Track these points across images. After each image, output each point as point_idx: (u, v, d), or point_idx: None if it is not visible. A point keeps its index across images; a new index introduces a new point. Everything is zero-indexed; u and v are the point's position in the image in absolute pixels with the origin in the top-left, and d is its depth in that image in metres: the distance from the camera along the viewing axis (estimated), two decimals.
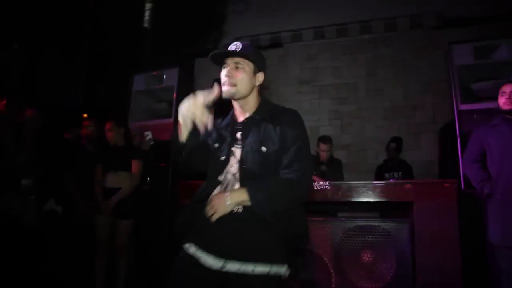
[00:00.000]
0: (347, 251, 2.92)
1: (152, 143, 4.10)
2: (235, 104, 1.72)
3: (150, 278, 3.51)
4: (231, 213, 1.52)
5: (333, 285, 2.91)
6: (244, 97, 1.67)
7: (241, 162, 1.59)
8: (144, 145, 4.07)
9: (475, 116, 3.24)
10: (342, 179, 3.86)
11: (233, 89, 1.63)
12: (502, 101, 2.70)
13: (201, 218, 1.56)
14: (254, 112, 1.68)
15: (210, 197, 1.57)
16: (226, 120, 1.76)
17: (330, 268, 2.93)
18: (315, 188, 2.93)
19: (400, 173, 4.26)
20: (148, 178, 3.84)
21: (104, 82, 5.28)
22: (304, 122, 1.81)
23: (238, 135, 1.66)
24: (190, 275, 1.55)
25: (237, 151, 1.64)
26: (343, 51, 5.42)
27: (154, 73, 4.41)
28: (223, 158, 1.63)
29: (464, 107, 3.30)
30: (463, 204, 2.92)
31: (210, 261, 1.51)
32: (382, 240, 2.86)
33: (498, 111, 2.75)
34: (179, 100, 4.31)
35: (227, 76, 1.63)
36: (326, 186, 2.95)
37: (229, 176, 1.61)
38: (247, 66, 1.65)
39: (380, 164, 4.55)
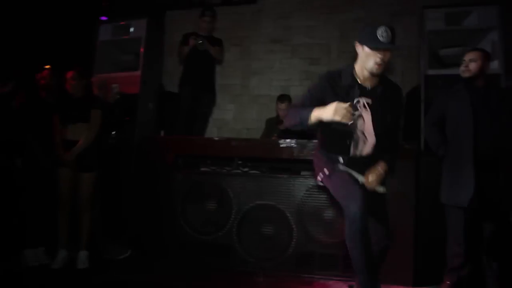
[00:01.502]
0: (309, 207, 3.03)
1: (118, 96, 3.98)
2: (365, 72, 2.08)
3: (115, 232, 3.51)
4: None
5: (294, 239, 3.02)
6: None
7: (374, 124, 2.09)
8: (110, 98, 3.94)
9: (441, 82, 3.30)
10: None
11: (382, 69, 2.05)
12: (461, 69, 2.77)
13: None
14: (380, 85, 2.12)
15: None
16: (348, 82, 2.11)
17: (291, 223, 3.03)
18: (281, 145, 2.97)
19: None
20: (114, 132, 3.76)
21: (67, 31, 4.99)
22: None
23: (368, 100, 2.09)
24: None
25: (367, 113, 2.10)
26: (318, 10, 5.31)
27: (122, 23, 4.22)
28: (355, 118, 2.07)
29: (431, 72, 3.35)
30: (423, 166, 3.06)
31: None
32: None
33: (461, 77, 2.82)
34: (148, 52, 4.15)
35: (384, 60, 2.02)
36: (292, 144, 2.99)
37: (359, 134, 2.10)
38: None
39: None
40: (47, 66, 3.49)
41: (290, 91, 4.98)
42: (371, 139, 2.11)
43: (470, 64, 2.72)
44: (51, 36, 4.65)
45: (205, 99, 4.22)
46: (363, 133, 2.10)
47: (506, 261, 2.66)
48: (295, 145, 3.05)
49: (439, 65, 3.48)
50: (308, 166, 3.35)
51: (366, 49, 2.04)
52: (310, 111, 1.99)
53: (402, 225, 2.89)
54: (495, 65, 3.16)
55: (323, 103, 2.02)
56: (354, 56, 2.14)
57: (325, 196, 2.97)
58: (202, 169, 3.36)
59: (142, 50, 3.98)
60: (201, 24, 4.22)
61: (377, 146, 2.11)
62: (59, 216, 3.13)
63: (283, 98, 4.09)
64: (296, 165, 3.22)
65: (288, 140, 3.05)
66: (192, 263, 3.14)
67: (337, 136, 2.13)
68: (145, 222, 3.37)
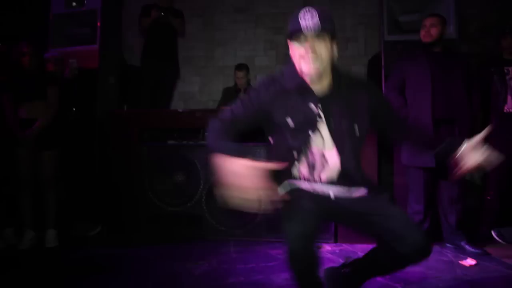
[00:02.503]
0: None
1: (76, 72, 3.84)
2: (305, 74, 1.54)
3: (84, 209, 3.47)
4: None
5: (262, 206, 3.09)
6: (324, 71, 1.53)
7: (337, 145, 1.53)
8: (68, 74, 3.80)
9: (399, 47, 3.39)
10: None
11: (318, 65, 1.48)
12: (422, 33, 2.86)
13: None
14: (333, 83, 1.56)
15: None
16: (292, 85, 1.56)
17: None
18: None
19: None
20: (74, 109, 3.65)
21: (17, 4, 4.70)
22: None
23: (318, 110, 1.53)
24: None
25: (322, 129, 1.54)
26: None
27: None
28: (306, 136, 1.53)
29: (390, 38, 3.43)
30: None
31: None
32: None
33: (420, 43, 2.90)
34: (105, 25, 3.99)
35: (310, 52, 1.47)
36: None
37: (317, 157, 1.54)
38: (326, 35, 1.49)
39: None
40: None
41: (255, 61, 4.98)
42: (332, 160, 1.54)
43: (431, 29, 2.81)
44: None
45: (168, 72, 4.15)
46: (322, 155, 1.55)
47: (461, 216, 2.84)
48: None
49: (398, 31, 3.55)
50: None
51: (292, 43, 1.54)
52: (232, 151, 1.37)
53: None
54: (450, 30, 3.27)
55: (262, 118, 1.58)
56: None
57: None
58: (169, 142, 3.33)
59: (99, 24, 3.83)
60: None
61: (344, 169, 1.54)
62: (22, 197, 3.04)
63: (241, 66, 4.16)
64: (262, 133, 3.25)
65: None
66: (163, 235, 3.16)
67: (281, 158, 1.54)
68: (114, 198, 3.34)
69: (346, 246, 2.93)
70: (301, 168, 1.56)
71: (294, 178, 1.57)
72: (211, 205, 3.14)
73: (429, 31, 2.81)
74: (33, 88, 3.02)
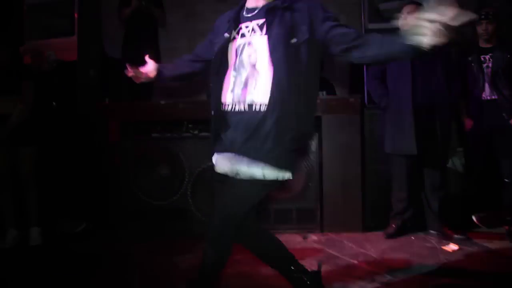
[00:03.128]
0: None
1: (55, 64, 3.74)
2: None
3: (66, 209, 3.40)
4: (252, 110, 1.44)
5: None
6: None
7: (271, 51, 1.45)
8: (47, 67, 3.69)
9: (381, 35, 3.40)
10: None
11: None
12: (400, 22, 2.87)
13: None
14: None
15: None
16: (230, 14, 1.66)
17: None
18: None
19: (324, 92, 4.41)
20: (54, 103, 3.56)
21: None
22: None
23: (257, 24, 1.52)
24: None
25: (257, 40, 1.50)
26: None
27: None
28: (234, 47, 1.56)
29: (371, 26, 3.45)
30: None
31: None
32: None
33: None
34: (83, 15, 3.86)
35: None
36: None
37: (247, 68, 1.49)
38: None
39: None
40: None
41: None
42: (265, 73, 1.45)
43: (409, 17, 2.82)
44: None
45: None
46: (254, 66, 1.48)
47: (444, 203, 2.90)
48: None
49: (379, 19, 3.56)
50: None
51: None
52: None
53: (350, 176, 3.04)
54: None
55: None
56: None
57: None
58: (152, 135, 3.29)
59: (76, 15, 3.73)
60: None
61: (279, 87, 1.42)
62: (1, 195, 2.96)
63: None
64: None
65: None
66: (150, 230, 3.13)
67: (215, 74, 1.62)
68: (98, 193, 3.28)
69: (332, 235, 2.96)
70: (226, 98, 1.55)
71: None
72: (197, 198, 3.13)
73: (405, 20, 2.83)
74: (4, 83, 2.92)
